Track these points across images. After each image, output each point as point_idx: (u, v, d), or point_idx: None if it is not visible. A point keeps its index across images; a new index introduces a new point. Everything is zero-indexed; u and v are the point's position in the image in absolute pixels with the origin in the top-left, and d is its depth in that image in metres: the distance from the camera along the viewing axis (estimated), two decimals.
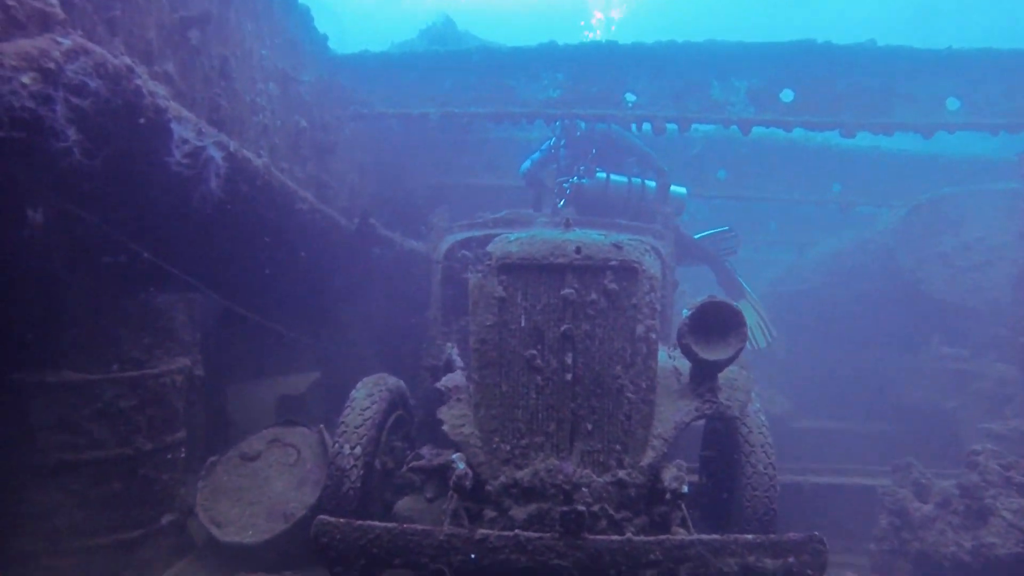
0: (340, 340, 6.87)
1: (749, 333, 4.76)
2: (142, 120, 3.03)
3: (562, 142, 7.08)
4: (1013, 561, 3.81)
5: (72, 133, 2.46)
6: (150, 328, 3.95)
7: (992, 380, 6.66)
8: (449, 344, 4.26)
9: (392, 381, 4.08)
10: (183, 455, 4.07)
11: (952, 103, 6.63)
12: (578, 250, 3.25)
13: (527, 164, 7.17)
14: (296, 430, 4.51)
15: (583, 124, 7.04)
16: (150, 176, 3.50)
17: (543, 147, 7.22)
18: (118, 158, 3.23)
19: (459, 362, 3.85)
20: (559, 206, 6.46)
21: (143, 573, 3.68)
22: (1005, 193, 7.11)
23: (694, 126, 7.21)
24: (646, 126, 6.62)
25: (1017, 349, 6.06)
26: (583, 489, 3.09)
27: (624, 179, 6.52)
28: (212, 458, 4.30)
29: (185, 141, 3.38)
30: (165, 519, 3.86)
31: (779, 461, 6.52)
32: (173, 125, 3.27)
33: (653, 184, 6.55)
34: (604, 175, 6.51)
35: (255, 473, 4.28)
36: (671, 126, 6.62)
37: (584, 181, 6.43)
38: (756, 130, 7.33)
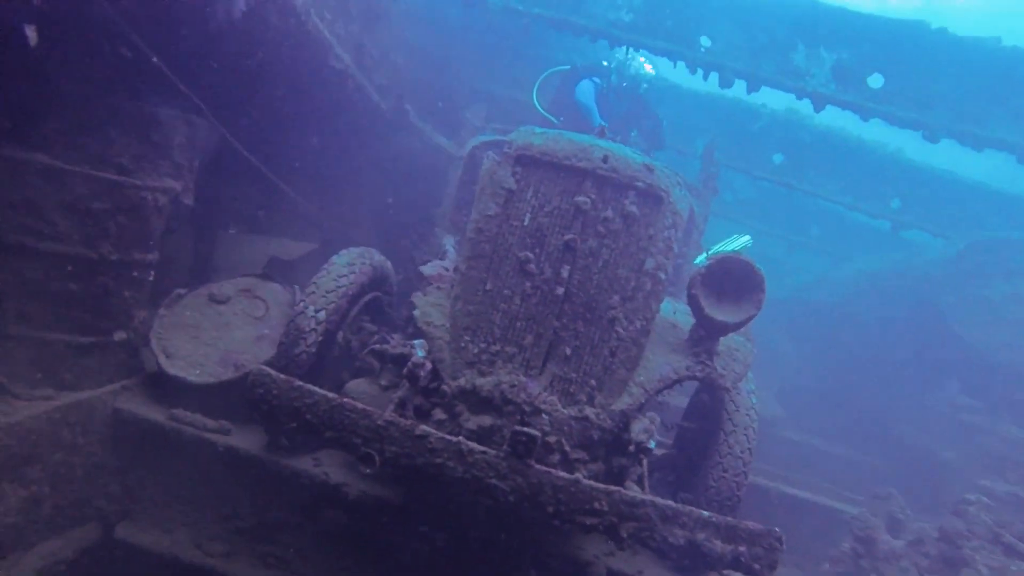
0: (346, 219, 6.61)
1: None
2: None
3: (612, 88, 6.56)
4: None
5: None
6: (143, 138, 3.67)
7: (1000, 439, 6.32)
8: (448, 236, 3.97)
9: (379, 258, 3.82)
10: (151, 278, 3.86)
11: None
12: (605, 159, 2.90)
13: (593, 105, 6.55)
14: (270, 285, 4.29)
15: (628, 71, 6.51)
16: None
17: (595, 84, 6.66)
18: None
19: (453, 255, 3.57)
20: None
21: (83, 380, 3.53)
22: None
23: (762, 102, 6.66)
24: (713, 75, 6.07)
25: None
26: (544, 416, 2.84)
27: None
28: (179, 291, 4.10)
29: None
30: (117, 335, 3.68)
31: (758, 464, 6.29)
32: None
33: None
34: None
35: (219, 316, 4.08)
36: (740, 81, 6.07)
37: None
38: (825, 119, 6.76)
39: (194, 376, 3.69)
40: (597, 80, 6.65)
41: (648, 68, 6.55)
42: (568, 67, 6.83)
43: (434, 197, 5.99)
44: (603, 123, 6.14)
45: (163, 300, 4.00)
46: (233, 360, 3.83)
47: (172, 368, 3.68)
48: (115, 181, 3.43)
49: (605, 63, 6.70)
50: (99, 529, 3.48)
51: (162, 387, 3.73)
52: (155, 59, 3.57)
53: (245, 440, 3.57)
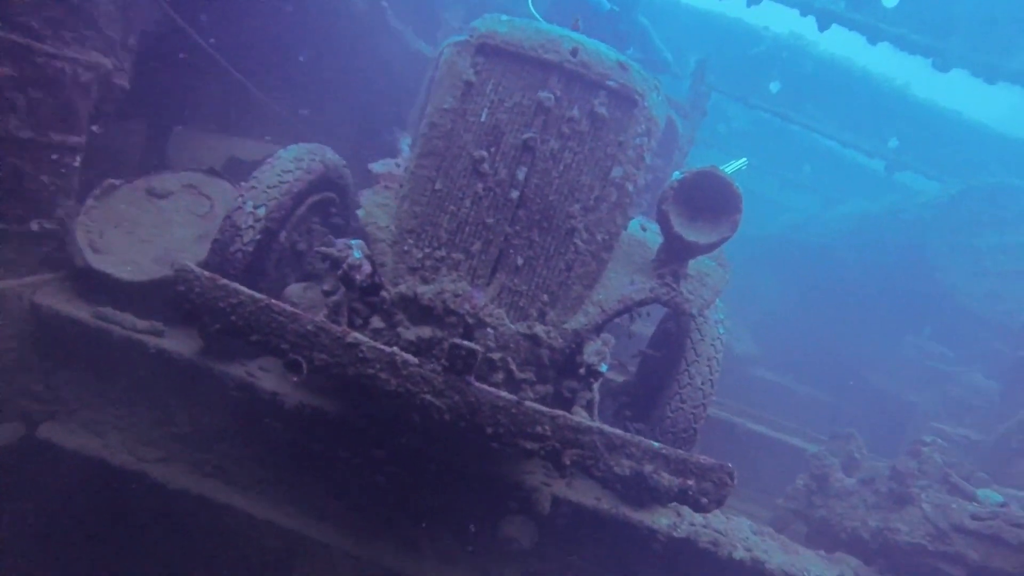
0: (317, 123, 6.20)
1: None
2: None
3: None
4: (910, 551, 3.56)
5: None
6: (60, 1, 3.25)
7: (964, 387, 6.28)
8: (407, 136, 3.64)
9: (332, 156, 3.49)
10: (77, 164, 3.52)
11: None
12: (574, 52, 2.57)
13: None
14: (218, 182, 3.96)
15: None
16: None
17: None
18: None
19: (407, 152, 3.27)
20: None
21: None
22: None
23: (764, 24, 6.19)
24: None
25: (1013, 363, 5.59)
26: (488, 330, 2.62)
27: None
28: (113, 181, 3.77)
29: None
30: (35, 224, 3.37)
31: (726, 399, 6.21)
32: None
33: None
34: None
35: (159, 212, 3.78)
36: None
37: None
38: (827, 48, 6.30)
39: (125, 273, 3.42)
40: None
41: None
42: None
43: (410, 104, 5.60)
44: (614, 7, 5.79)
45: (93, 191, 3.68)
46: (171, 258, 3.55)
47: (99, 263, 3.40)
48: (20, 45, 3.02)
49: None
50: (22, 428, 3.29)
51: (89, 284, 3.46)
52: None
53: (180, 343, 3.34)
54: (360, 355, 2.41)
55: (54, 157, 3.32)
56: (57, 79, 3.16)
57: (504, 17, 2.78)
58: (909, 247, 7.09)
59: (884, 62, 6.53)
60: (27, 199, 3.28)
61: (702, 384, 3.29)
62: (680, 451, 2.58)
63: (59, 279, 3.49)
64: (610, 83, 2.60)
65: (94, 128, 3.62)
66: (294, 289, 3.12)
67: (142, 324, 3.35)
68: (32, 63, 3.04)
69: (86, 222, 3.55)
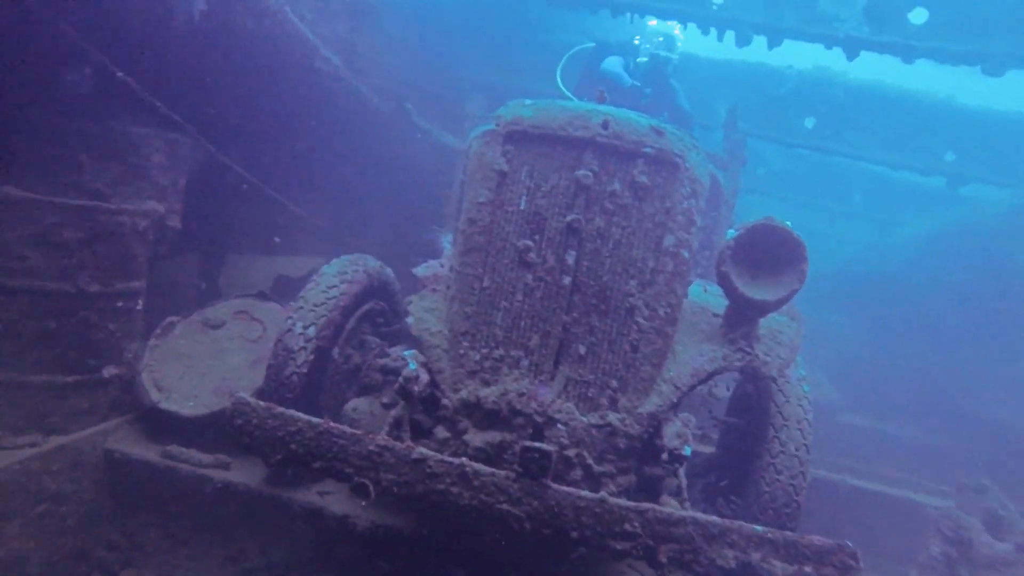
0: (359, 229, 6.35)
1: None
2: None
3: (638, 68, 6.16)
4: None
5: None
6: (119, 161, 3.47)
7: None
8: (447, 233, 3.63)
9: (374, 265, 3.49)
10: (140, 307, 3.63)
11: None
12: (605, 125, 2.51)
13: (621, 71, 6.10)
14: (267, 305, 4.03)
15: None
16: None
17: (622, 61, 6.29)
18: None
19: (449, 250, 3.23)
20: None
21: (72, 422, 3.31)
22: None
23: (787, 63, 6.09)
24: (729, 33, 5.55)
25: None
26: (559, 426, 2.46)
27: None
28: (171, 318, 3.87)
29: None
30: (107, 371, 3.45)
31: (817, 455, 5.76)
32: None
33: None
34: None
35: (214, 342, 3.83)
36: (759, 37, 5.51)
37: None
38: (859, 72, 6.11)
39: (188, 409, 3.44)
40: (622, 58, 6.28)
41: (678, 33, 6.10)
42: (592, 44, 6.45)
43: (444, 199, 5.68)
44: (635, 83, 5.75)
45: (155, 330, 3.78)
46: (229, 388, 3.56)
47: (164, 402, 3.44)
48: (86, 208, 3.20)
49: (636, 41, 6.29)
50: None
51: (157, 423, 3.49)
52: (120, 74, 3.34)
53: (245, 474, 3.29)
54: (428, 470, 2.28)
55: (119, 304, 3.42)
56: (118, 232, 3.31)
57: (528, 101, 2.77)
58: (992, 261, 6.60)
59: (927, 77, 6.26)
60: (98, 348, 3.37)
61: (796, 450, 3.00)
62: (788, 532, 2.30)
63: (129, 422, 3.53)
64: (647, 150, 2.52)
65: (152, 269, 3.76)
66: (354, 404, 3.04)
67: (207, 459, 3.32)
68: (96, 222, 3.21)
69: (149, 362, 3.62)
